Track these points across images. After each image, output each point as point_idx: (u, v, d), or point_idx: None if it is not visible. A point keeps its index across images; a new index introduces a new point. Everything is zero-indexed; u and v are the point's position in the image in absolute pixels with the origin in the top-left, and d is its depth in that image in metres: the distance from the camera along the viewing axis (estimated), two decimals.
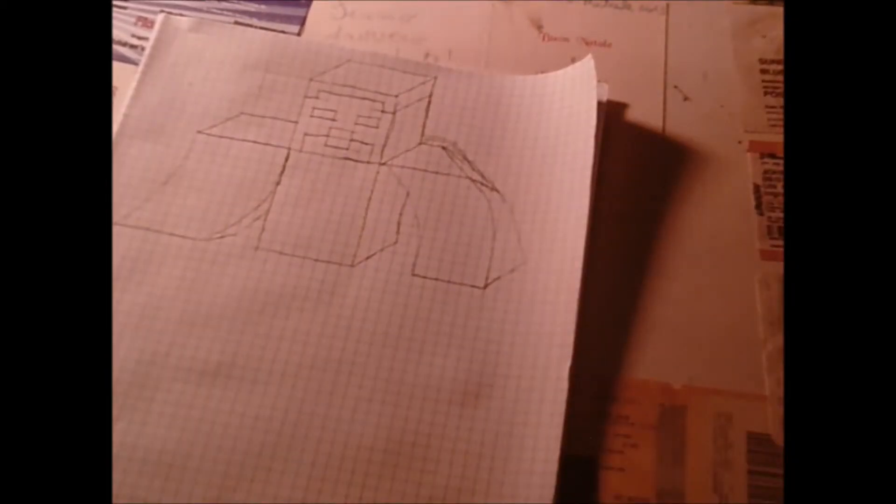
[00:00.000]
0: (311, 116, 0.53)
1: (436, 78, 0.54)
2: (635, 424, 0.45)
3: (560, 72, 0.54)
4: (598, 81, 0.52)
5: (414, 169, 0.51)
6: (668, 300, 0.48)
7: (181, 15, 0.58)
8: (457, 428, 0.44)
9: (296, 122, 0.53)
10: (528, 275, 0.48)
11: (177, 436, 0.43)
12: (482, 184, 0.51)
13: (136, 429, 0.43)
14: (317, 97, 0.54)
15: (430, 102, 0.54)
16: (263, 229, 0.49)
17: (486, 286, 0.48)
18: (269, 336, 0.46)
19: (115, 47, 0.56)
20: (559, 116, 0.53)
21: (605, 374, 0.46)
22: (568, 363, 0.44)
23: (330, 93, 0.54)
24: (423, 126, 0.53)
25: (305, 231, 0.49)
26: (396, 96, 0.54)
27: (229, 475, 0.42)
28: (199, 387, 0.44)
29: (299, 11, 0.59)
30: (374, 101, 0.54)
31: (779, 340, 0.47)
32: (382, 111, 0.53)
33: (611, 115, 0.54)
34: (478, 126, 0.53)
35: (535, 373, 0.45)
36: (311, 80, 0.54)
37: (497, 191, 0.51)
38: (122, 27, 0.57)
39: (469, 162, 0.52)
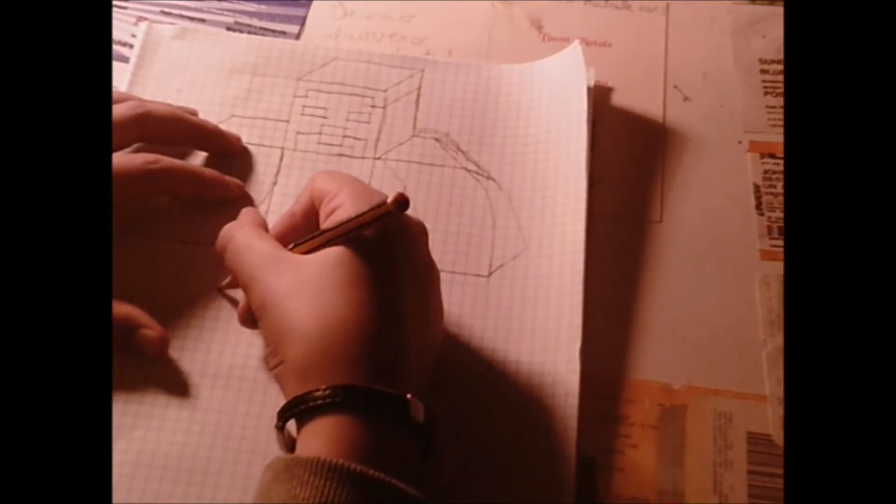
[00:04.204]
0: (303, 115, 0.53)
1: (423, 70, 0.55)
2: (635, 424, 0.45)
3: (548, 59, 0.55)
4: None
5: (409, 162, 0.52)
6: (668, 300, 0.48)
7: (181, 15, 0.58)
8: (471, 419, 0.44)
9: (287, 122, 0.53)
10: (531, 260, 0.48)
11: (195, 440, 0.43)
12: (478, 173, 0.51)
13: (153, 436, 0.43)
14: (306, 96, 0.54)
15: (419, 95, 0.54)
16: None
17: (490, 274, 0.48)
18: None
19: (115, 47, 0.56)
20: (550, 103, 0.53)
21: (605, 375, 0.46)
22: (578, 344, 0.45)
23: (319, 91, 0.54)
24: (415, 119, 0.53)
25: None
26: (385, 91, 0.54)
27: (251, 476, 0.42)
28: (212, 390, 0.44)
29: (299, 11, 0.59)
30: (363, 96, 0.54)
31: (779, 340, 0.47)
32: (373, 106, 0.53)
33: (615, 115, 0.55)
34: (469, 116, 0.53)
35: (546, 357, 0.45)
36: (298, 79, 0.54)
37: (493, 179, 0.51)
38: (122, 27, 0.57)
39: (463, 152, 0.52)
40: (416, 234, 0.41)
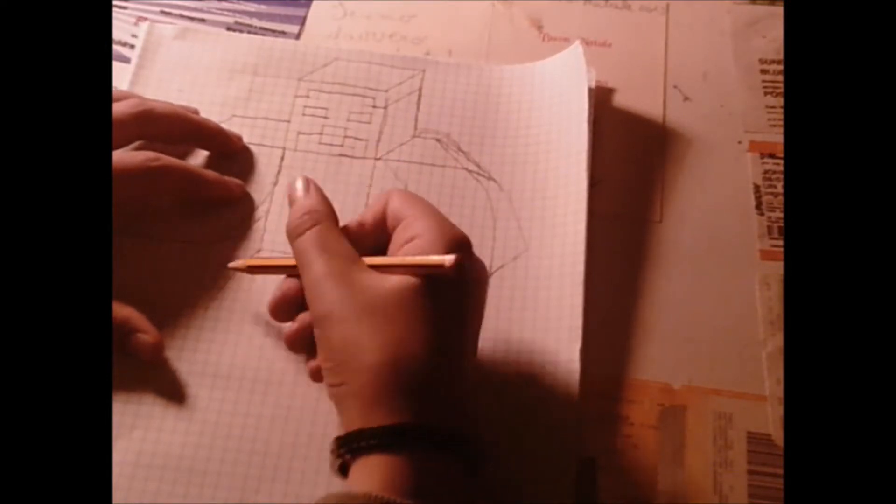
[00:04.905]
0: (304, 115, 0.53)
1: (424, 71, 0.55)
2: (635, 424, 0.45)
3: (549, 59, 0.55)
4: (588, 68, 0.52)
5: (409, 162, 0.52)
6: (668, 300, 0.48)
7: (181, 15, 0.58)
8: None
9: (288, 122, 0.53)
10: (531, 261, 0.48)
11: (195, 440, 0.43)
12: (479, 174, 0.51)
13: (153, 436, 0.43)
14: (307, 96, 0.54)
15: (420, 95, 0.54)
16: (265, 230, 0.49)
17: (490, 275, 0.48)
18: (279, 336, 0.45)
19: (115, 47, 0.56)
20: (550, 103, 0.53)
21: (605, 375, 0.46)
22: (578, 345, 0.45)
23: (320, 91, 0.54)
24: (416, 119, 0.53)
25: None
26: (386, 91, 0.54)
27: (250, 476, 0.42)
28: (212, 390, 0.44)
29: (299, 11, 0.59)
30: (364, 97, 0.54)
31: (779, 340, 0.47)
32: (374, 106, 0.53)
33: (616, 115, 0.55)
34: (469, 117, 0.53)
35: (546, 357, 0.45)
36: (300, 80, 0.54)
37: (494, 180, 0.51)
38: (122, 27, 0.57)
39: (464, 153, 0.52)
40: (482, 280, 0.41)
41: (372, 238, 0.42)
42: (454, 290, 0.39)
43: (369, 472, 0.36)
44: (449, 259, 0.37)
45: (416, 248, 0.39)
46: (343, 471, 0.37)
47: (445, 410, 0.37)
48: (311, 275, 0.39)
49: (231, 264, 0.46)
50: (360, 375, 0.37)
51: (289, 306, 0.43)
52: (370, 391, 0.36)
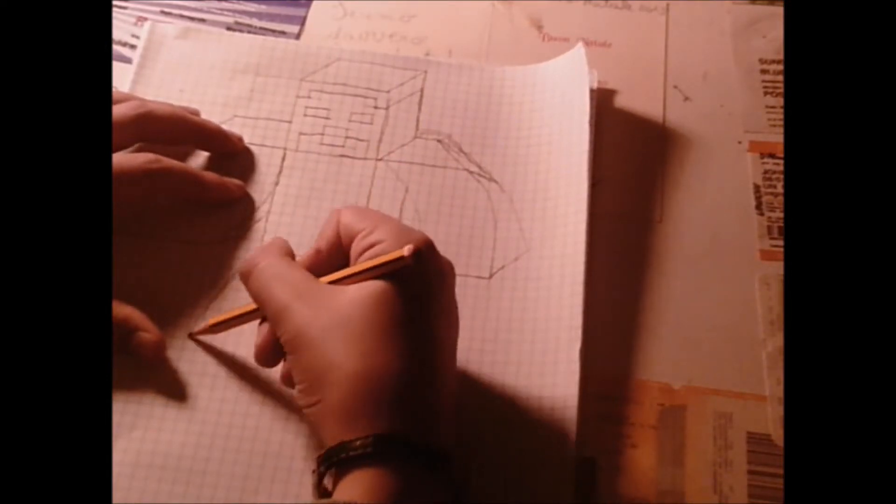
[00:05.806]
0: (305, 116, 0.53)
1: (426, 72, 0.55)
2: (635, 424, 0.45)
3: (551, 61, 0.55)
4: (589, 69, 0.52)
5: (411, 163, 0.52)
6: (668, 300, 0.48)
7: (181, 15, 0.58)
8: (471, 419, 0.43)
9: (290, 123, 0.53)
10: (532, 262, 0.48)
11: (194, 440, 0.43)
12: (480, 175, 0.51)
13: (153, 436, 0.43)
14: (309, 97, 0.54)
15: (422, 96, 0.54)
16: (265, 231, 0.49)
17: (491, 276, 0.48)
18: None
19: (115, 47, 0.56)
20: (552, 105, 0.53)
21: (604, 375, 0.46)
22: (578, 345, 0.45)
23: (322, 92, 0.54)
24: (417, 120, 0.53)
25: (308, 230, 0.49)
26: (388, 92, 0.54)
27: (250, 476, 0.42)
28: (212, 390, 0.44)
29: (299, 11, 0.59)
30: (366, 97, 0.54)
31: (779, 340, 0.47)
32: (375, 107, 0.53)
33: (616, 115, 0.55)
34: (471, 118, 0.53)
35: (546, 357, 0.45)
36: (301, 80, 0.54)
37: (495, 181, 0.51)
38: (122, 27, 0.57)
39: (465, 154, 0.52)
40: (447, 277, 0.40)
41: (330, 263, 0.41)
42: (415, 287, 0.38)
43: (351, 485, 0.35)
44: (407, 249, 0.37)
45: (377, 252, 0.39)
46: (322, 493, 0.37)
47: (426, 423, 0.37)
48: (271, 306, 0.39)
49: (194, 331, 0.45)
50: (334, 390, 0.36)
51: (273, 350, 0.41)
52: (345, 405, 0.36)
